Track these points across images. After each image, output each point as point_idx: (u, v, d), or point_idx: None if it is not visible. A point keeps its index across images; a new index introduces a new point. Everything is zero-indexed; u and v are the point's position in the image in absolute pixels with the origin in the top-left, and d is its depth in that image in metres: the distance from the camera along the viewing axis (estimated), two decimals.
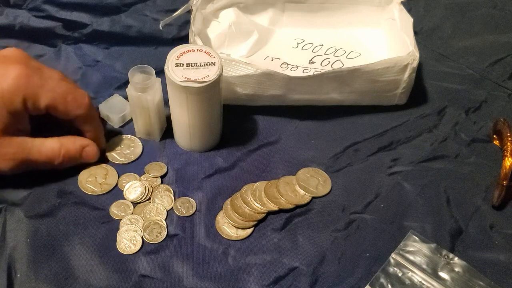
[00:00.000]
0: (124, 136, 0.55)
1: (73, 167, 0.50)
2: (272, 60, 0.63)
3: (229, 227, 0.48)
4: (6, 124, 0.45)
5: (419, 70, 0.61)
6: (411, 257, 0.46)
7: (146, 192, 0.50)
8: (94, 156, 0.51)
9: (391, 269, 0.45)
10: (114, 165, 0.52)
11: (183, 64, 0.48)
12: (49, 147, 0.48)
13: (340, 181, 0.52)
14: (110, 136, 0.55)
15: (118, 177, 0.51)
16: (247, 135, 0.56)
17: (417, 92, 0.61)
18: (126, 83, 0.51)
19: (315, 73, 0.54)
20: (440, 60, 0.67)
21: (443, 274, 0.45)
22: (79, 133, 0.51)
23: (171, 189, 0.51)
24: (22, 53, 0.47)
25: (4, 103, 0.44)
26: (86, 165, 0.51)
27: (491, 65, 0.66)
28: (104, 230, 0.47)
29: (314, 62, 0.63)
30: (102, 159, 0.52)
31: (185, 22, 0.66)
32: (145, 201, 0.50)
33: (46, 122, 0.50)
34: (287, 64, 0.63)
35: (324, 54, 0.64)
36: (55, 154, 0.48)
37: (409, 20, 0.60)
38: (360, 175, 0.53)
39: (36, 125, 0.49)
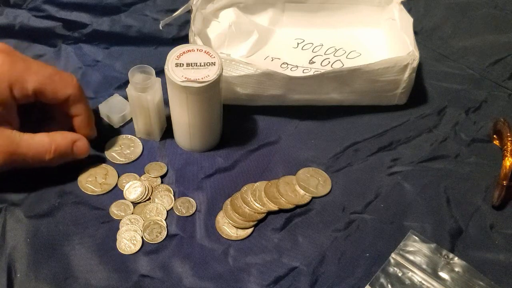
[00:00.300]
0: (124, 136, 0.55)
1: (72, 167, 0.50)
2: (272, 60, 0.63)
3: (229, 227, 0.48)
4: None
5: (419, 70, 0.61)
6: (411, 257, 0.46)
7: (146, 192, 0.50)
8: (85, 151, 0.50)
9: (391, 269, 0.45)
10: (114, 165, 0.52)
11: (183, 64, 0.48)
12: (39, 141, 0.47)
13: (340, 181, 0.52)
14: (110, 136, 0.55)
15: (118, 177, 0.51)
16: (247, 135, 0.56)
17: (417, 92, 0.61)
18: (126, 83, 0.51)
19: (315, 73, 0.54)
20: (440, 60, 0.67)
21: (443, 274, 0.45)
22: (68, 128, 0.50)
23: (171, 189, 0.51)
24: (5, 45, 0.47)
25: None
26: (85, 165, 0.51)
27: (491, 65, 0.66)
28: (104, 230, 0.47)
29: (314, 62, 0.63)
30: (101, 158, 0.53)
31: (185, 22, 0.66)
32: (145, 201, 0.50)
33: (34, 119, 0.49)
34: (287, 64, 0.63)
35: (324, 54, 0.64)
36: (46, 149, 0.47)
37: (409, 20, 0.60)
38: (360, 175, 0.53)
39: (25, 122, 0.48)
